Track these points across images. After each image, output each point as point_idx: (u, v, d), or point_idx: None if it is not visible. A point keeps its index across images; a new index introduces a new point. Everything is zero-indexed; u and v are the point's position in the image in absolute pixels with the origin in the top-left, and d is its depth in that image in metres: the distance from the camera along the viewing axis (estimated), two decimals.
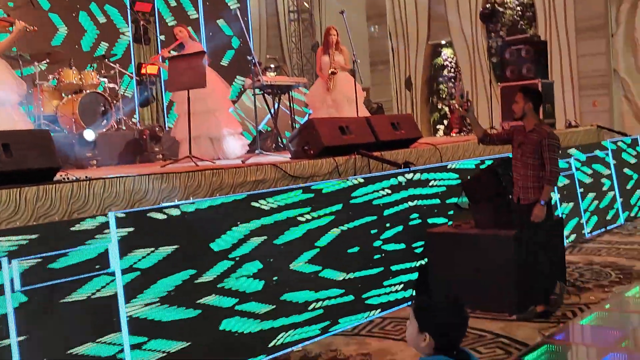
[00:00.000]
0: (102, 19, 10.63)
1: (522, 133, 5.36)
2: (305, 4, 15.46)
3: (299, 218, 5.16)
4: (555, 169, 5.18)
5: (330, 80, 8.55)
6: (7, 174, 4.16)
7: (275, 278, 4.94)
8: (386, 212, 5.88)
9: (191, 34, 8.23)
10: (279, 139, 8.78)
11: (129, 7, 11.03)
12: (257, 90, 8.32)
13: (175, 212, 4.40)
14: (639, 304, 5.65)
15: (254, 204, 4.87)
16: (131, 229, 4.16)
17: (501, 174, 5.68)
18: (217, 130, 7.74)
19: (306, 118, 10.28)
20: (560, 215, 7.04)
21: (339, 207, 5.46)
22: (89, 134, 7.70)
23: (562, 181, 8.19)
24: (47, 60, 8.65)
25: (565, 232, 7.62)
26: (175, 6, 11.85)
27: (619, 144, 9.63)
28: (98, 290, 3.98)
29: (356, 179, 5.68)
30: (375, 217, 5.76)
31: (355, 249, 5.56)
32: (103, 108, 8.41)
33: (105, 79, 9.08)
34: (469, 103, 5.55)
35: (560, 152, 5.23)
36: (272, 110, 8.73)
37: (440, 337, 2.13)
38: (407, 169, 6.20)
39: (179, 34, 8.09)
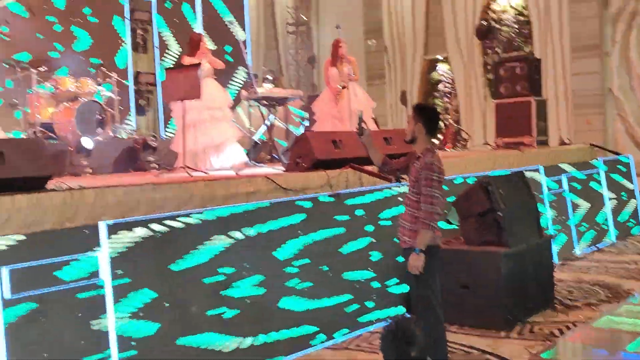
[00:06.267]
0: (101, 27, 10.63)
1: (413, 160, 4.40)
2: (303, 17, 15.54)
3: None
4: (430, 208, 4.13)
5: (339, 94, 8.65)
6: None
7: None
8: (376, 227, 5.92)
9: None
10: (274, 150, 8.82)
11: (128, 16, 11.07)
12: (252, 102, 8.39)
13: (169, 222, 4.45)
14: (627, 323, 5.68)
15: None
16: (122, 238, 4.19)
17: (491, 190, 5.72)
18: (220, 138, 7.81)
19: (301, 129, 10.35)
20: (550, 233, 7.07)
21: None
22: (87, 142, 7.76)
23: (552, 199, 8.24)
24: (45, 67, 8.68)
25: (555, 250, 7.67)
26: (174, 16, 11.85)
27: (611, 162, 9.70)
28: (88, 299, 4.00)
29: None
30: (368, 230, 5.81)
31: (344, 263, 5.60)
32: (99, 117, 8.46)
33: (101, 87, 9.11)
34: (362, 126, 4.54)
35: (441, 186, 4.20)
36: (267, 122, 8.78)
37: None
38: (398, 183, 6.24)
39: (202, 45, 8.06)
